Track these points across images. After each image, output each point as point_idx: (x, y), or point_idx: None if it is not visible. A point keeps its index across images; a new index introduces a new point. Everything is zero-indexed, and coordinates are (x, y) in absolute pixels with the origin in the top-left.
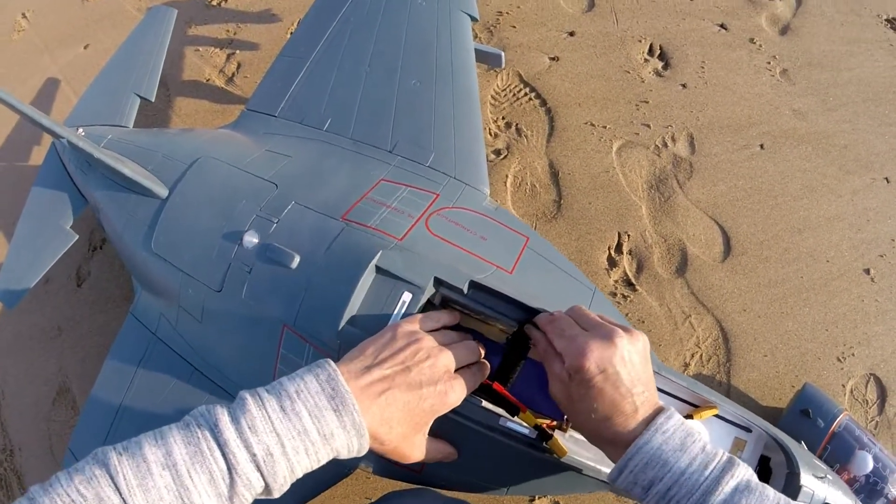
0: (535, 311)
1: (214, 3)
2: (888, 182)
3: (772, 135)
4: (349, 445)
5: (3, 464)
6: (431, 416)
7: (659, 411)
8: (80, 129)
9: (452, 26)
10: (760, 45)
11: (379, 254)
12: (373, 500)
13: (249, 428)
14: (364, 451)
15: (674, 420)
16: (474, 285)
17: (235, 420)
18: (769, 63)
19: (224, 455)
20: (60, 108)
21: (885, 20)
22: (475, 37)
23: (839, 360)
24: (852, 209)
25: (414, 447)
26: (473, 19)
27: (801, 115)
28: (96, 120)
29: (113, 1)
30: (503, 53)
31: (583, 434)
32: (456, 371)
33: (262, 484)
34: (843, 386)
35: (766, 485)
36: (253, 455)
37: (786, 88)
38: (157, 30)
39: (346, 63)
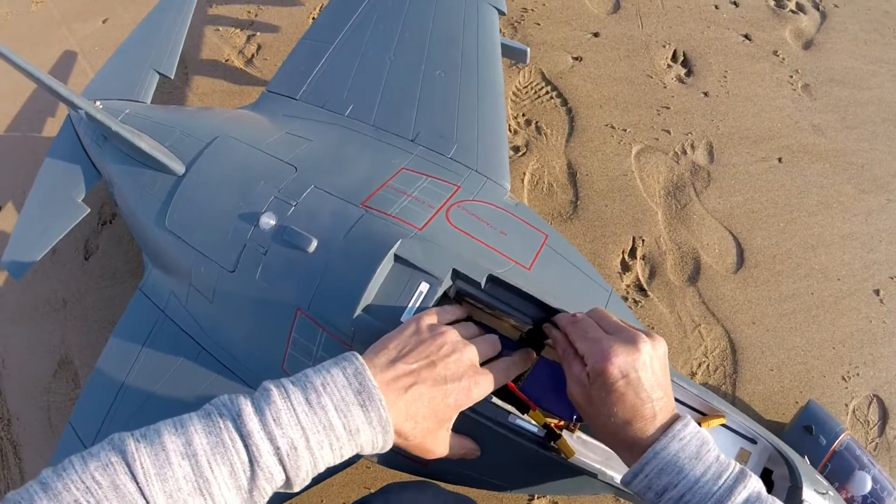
0: (551, 310)
1: None
2: None
3: (790, 149)
4: (374, 441)
5: (0, 432)
6: (455, 410)
7: (676, 418)
8: (98, 103)
9: (480, 19)
10: (783, 59)
11: (399, 242)
12: (372, 491)
13: (274, 420)
14: (388, 448)
15: (690, 428)
16: (492, 280)
17: (259, 411)
18: (791, 77)
19: (246, 447)
20: (76, 81)
21: None
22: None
23: (844, 379)
24: (866, 229)
25: (437, 442)
26: (501, 13)
27: (820, 131)
28: (114, 94)
29: None
30: (528, 49)
31: (599, 437)
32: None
33: (284, 477)
34: (846, 405)
35: (775, 498)
36: (276, 448)
37: (806, 103)
38: (180, 7)
39: (370, 50)
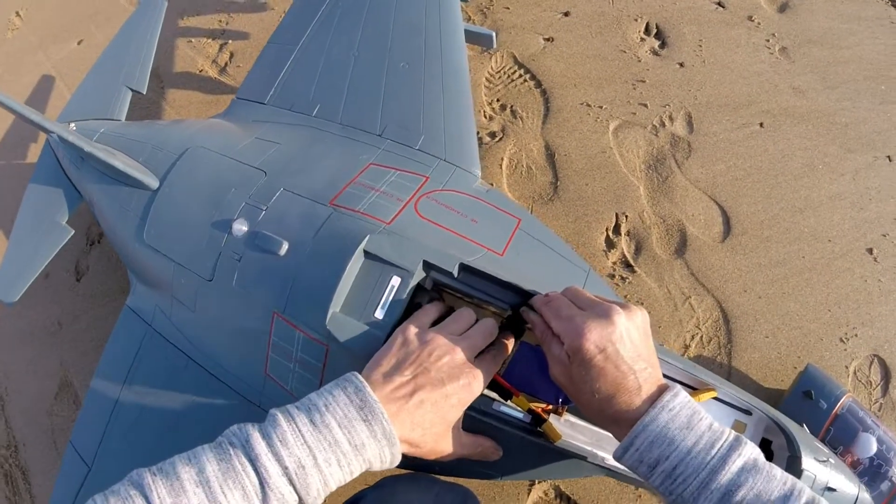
0: (526, 294)
1: None
2: (890, 160)
3: (771, 113)
4: (381, 455)
5: (9, 459)
6: (460, 409)
7: (664, 389)
8: (72, 125)
9: (441, 7)
10: (759, 23)
11: (367, 238)
12: (369, 485)
13: (280, 441)
14: (397, 461)
15: (680, 398)
16: (464, 268)
17: (267, 435)
18: (768, 41)
19: (256, 470)
20: (55, 105)
21: None
22: (468, 19)
23: (842, 341)
24: (854, 188)
25: (450, 444)
26: (463, 0)
27: (800, 94)
28: (90, 114)
29: None
30: (494, 34)
31: (587, 415)
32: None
33: (296, 498)
34: (847, 367)
35: (773, 464)
36: (285, 468)
37: (785, 66)
38: (148, 21)
39: (334, 48)
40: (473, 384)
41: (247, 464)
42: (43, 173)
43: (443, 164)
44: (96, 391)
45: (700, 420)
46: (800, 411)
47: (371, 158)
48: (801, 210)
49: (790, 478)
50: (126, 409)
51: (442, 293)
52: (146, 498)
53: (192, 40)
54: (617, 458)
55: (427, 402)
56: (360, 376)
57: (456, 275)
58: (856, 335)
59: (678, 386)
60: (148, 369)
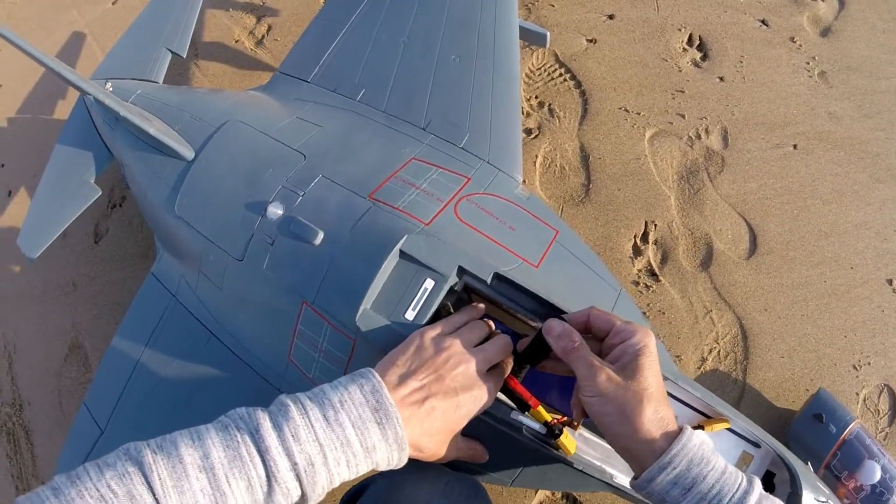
0: (557, 310)
1: None
2: None
3: (806, 136)
4: (389, 458)
5: (12, 418)
6: (466, 419)
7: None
8: (109, 84)
9: (498, 2)
10: (800, 45)
11: (404, 238)
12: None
13: (292, 436)
14: (402, 464)
15: (697, 432)
16: (498, 277)
17: (277, 427)
18: (808, 63)
19: (264, 462)
20: (85, 64)
21: None
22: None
23: (855, 367)
24: (880, 218)
25: (450, 450)
26: None
27: (836, 119)
28: (127, 73)
29: None
30: (548, 33)
31: (607, 434)
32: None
33: (300, 493)
34: (857, 394)
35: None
36: (294, 464)
37: (823, 91)
38: None
39: (383, 32)
40: (484, 397)
41: (255, 455)
42: (74, 130)
43: (485, 165)
44: (115, 355)
45: (714, 450)
46: (809, 433)
47: (414, 153)
48: (827, 235)
49: None
50: (143, 377)
51: (470, 295)
52: (145, 477)
53: (230, 9)
54: (649, 479)
55: (438, 409)
56: (377, 375)
57: (489, 283)
58: (868, 363)
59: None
60: (169, 339)
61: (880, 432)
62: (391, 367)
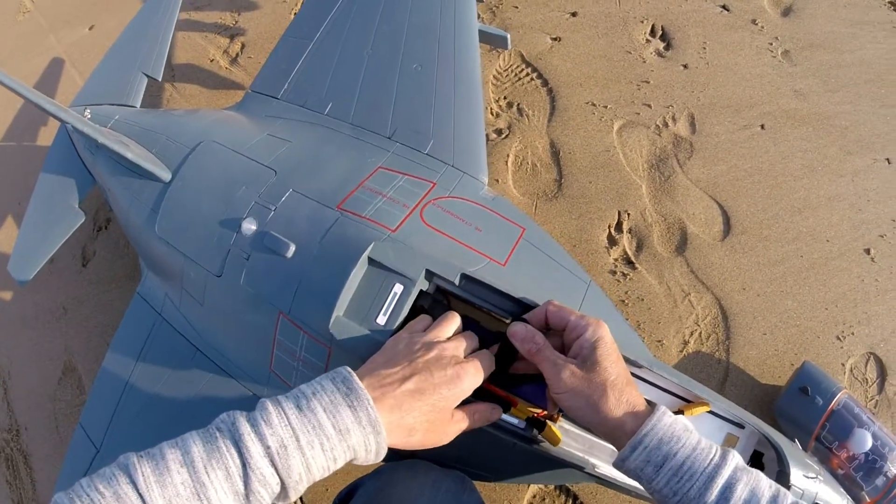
0: (525, 305)
1: None
2: (889, 163)
3: (773, 115)
4: (366, 443)
5: (10, 443)
6: (452, 400)
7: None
8: (87, 111)
9: (457, 7)
10: (762, 27)
11: (371, 246)
12: (367, 474)
13: (265, 422)
14: (383, 451)
15: (668, 412)
16: (466, 277)
17: (252, 419)
18: (771, 44)
19: (239, 450)
20: (65, 89)
21: (888, 2)
22: (477, 17)
23: (839, 338)
24: (853, 189)
25: (444, 431)
26: (478, 0)
27: (802, 96)
28: (105, 98)
29: None
30: (509, 35)
31: (588, 418)
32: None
33: (278, 480)
34: (843, 365)
35: (758, 472)
36: (267, 447)
37: (787, 69)
38: (164, 8)
39: (348, 45)
40: (464, 377)
41: (231, 445)
42: (57, 157)
43: (450, 170)
44: (106, 375)
45: (691, 428)
46: (796, 407)
47: (380, 162)
48: (800, 210)
49: (774, 482)
50: (135, 395)
51: (447, 296)
52: (130, 477)
53: (204, 30)
54: (623, 459)
55: (415, 391)
56: (348, 368)
57: (457, 284)
58: (852, 333)
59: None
60: (157, 356)
61: (870, 400)
62: (370, 363)
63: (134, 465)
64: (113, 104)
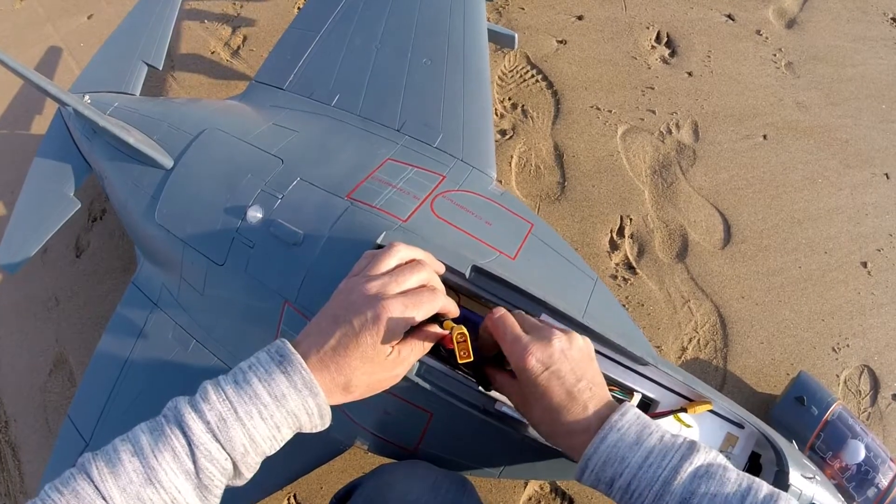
0: (535, 299)
1: None
2: (888, 178)
3: (775, 126)
4: (306, 407)
5: None
6: (378, 346)
7: (613, 408)
8: (87, 97)
9: (466, 5)
10: (767, 38)
11: (382, 234)
12: (366, 474)
13: (203, 400)
14: (326, 414)
15: (629, 416)
16: (476, 270)
17: (193, 401)
18: (775, 55)
19: (182, 430)
20: (62, 77)
21: (891, 18)
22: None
23: (834, 350)
24: (852, 203)
25: (384, 381)
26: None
27: (804, 108)
28: (103, 86)
29: None
30: (516, 35)
31: (542, 435)
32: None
33: (225, 455)
34: (838, 376)
35: (728, 466)
36: (207, 423)
37: (790, 81)
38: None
39: (356, 38)
40: (382, 315)
41: (175, 427)
42: (52, 143)
43: (460, 164)
44: (98, 365)
45: (650, 435)
46: (791, 416)
47: (389, 154)
48: (800, 222)
49: (746, 476)
50: (128, 386)
51: (456, 292)
52: (87, 473)
53: (205, 21)
54: (578, 478)
55: (338, 346)
56: (284, 339)
57: (468, 276)
58: (847, 345)
59: (627, 403)
60: (151, 348)
61: (863, 412)
62: (307, 326)
63: (90, 461)
64: (112, 91)
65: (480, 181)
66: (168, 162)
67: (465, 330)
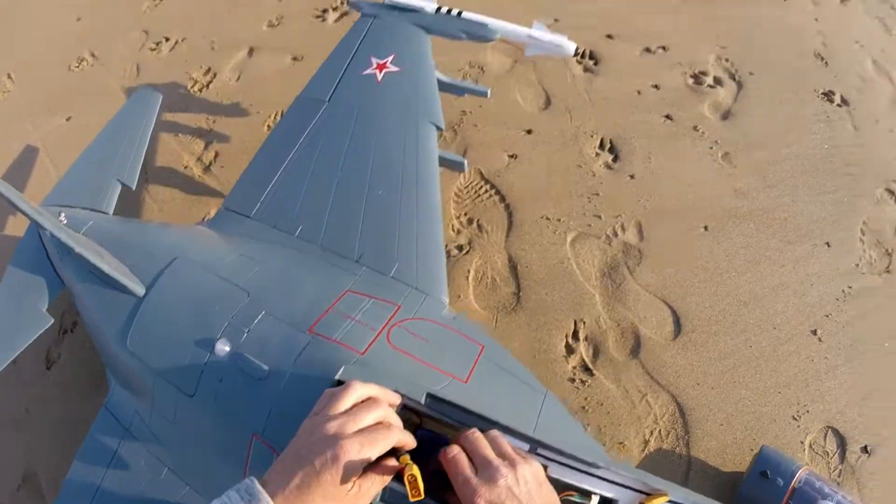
0: (487, 420)
1: (195, 90)
2: (829, 246)
3: (715, 216)
4: None
5: None
6: (338, 484)
7: None
8: (62, 214)
9: (419, 136)
10: (703, 132)
11: (342, 369)
12: None
13: None
14: None
15: None
16: (431, 396)
17: None
18: (711, 148)
19: None
20: (37, 177)
21: (822, 93)
22: (440, 136)
23: (794, 418)
24: (795, 276)
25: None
26: (439, 129)
27: (742, 195)
28: (79, 200)
29: (97, 76)
30: (465, 161)
31: None
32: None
33: None
34: (802, 442)
35: None
36: None
37: (727, 171)
38: (143, 113)
39: (319, 168)
40: (341, 455)
41: None
42: (26, 254)
43: (414, 292)
44: (70, 492)
45: None
46: (759, 491)
47: (348, 285)
48: (746, 303)
49: None
50: None
51: (416, 413)
52: None
53: (179, 134)
54: None
55: (301, 485)
56: (253, 478)
57: (423, 403)
58: (807, 411)
59: None
60: (124, 475)
61: (833, 470)
62: (274, 464)
63: None
64: (87, 209)
65: (434, 307)
66: (140, 290)
67: (415, 471)
